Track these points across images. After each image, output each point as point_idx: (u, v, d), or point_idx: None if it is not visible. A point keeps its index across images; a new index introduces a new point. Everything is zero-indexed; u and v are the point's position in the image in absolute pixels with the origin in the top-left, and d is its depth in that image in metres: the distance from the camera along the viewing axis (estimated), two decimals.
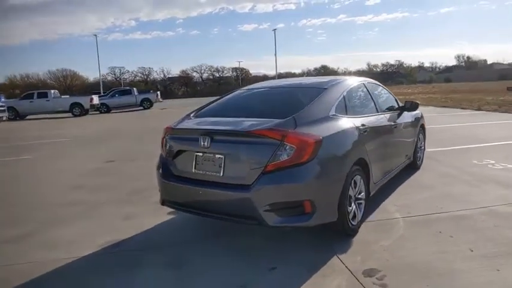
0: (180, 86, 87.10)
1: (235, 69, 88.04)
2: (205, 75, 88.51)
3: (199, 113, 3.87)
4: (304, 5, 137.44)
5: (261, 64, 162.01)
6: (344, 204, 3.22)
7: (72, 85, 73.12)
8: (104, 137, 12.38)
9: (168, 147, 3.56)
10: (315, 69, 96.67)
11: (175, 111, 24.65)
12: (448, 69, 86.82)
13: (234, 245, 3.49)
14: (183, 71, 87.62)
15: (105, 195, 5.29)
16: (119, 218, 4.35)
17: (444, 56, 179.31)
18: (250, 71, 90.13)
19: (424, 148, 6.18)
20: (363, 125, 3.68)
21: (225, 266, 3.08)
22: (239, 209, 3.05)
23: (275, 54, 53.62)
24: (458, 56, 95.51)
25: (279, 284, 2.78)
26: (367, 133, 3.71)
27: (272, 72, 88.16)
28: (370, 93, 4.38)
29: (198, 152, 3.28)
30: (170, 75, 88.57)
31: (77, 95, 32.60)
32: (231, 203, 3.08)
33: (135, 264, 3.20)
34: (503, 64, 74.33)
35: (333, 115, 3.44)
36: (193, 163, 3.30)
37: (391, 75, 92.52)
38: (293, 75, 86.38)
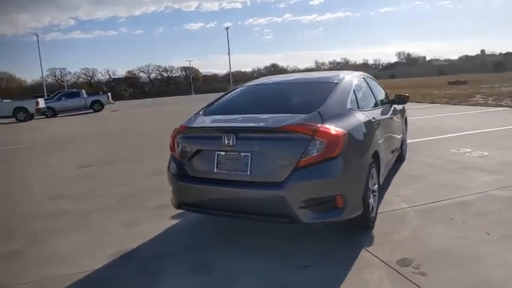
0: (126, 87, 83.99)
1: (184, 68, 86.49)
2: (153, 75, 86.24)
3: (211, 110, 3.72)
4: (251, 4, 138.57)
5: (210, 63, 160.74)
6: (367, 197, 3.25)
7: (9, 88, 67.89)
8: (66, 142, 11.59)
9: (182, 147, 3.38)
10: (265, 67, 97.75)
11: (132, 113, 23.79)
12: (391, 65, 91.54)
13: (255, 245, 3.39)
14: (129, 72, 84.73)
15: (93, 202, 4.95)
16: (117, 226, 4.08)
17: (386, 54, 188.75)
18: (200, 70, 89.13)
19: (406, 140, 6.43)
20: (373, 118, 3.74)
21: (255, 267, 2.98)
22: (270, 208, 2.96)
23: (228, 53, 53.51)
24: (399, 53, 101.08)
25: (320, 281, 2.74)
26: (377, 126, 3.77)
27: (223, 71, 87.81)
28: (370, 87, 4.46)
29: (220, 150, 3.14)
30: (116, 76, 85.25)
31: (19, 98, 30.34)
32: (261, 202, 2.99)
33: (158, 274, 3.00)
34: (440, 60, 79.94)
35: (349, 109, 3.45)
36: (215, 163, 3.15)
37: None
38: (244, 74, 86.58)
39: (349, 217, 3.04)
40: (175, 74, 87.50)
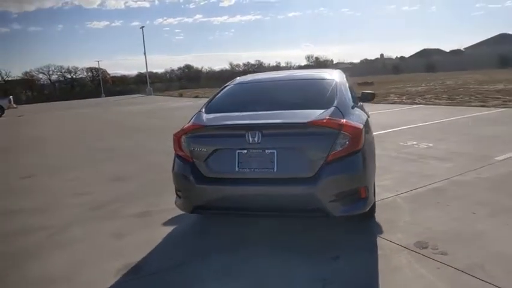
0: (23, 90, 75.40)
1: (90, 69, 79.89)
2: (54, 77, 78.16)
3: (216, 108, 3.56)
4: (159, 4, 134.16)
5: (116, 64, 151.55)
6: (374, 188, 3.43)
7: None
8: None
9: (196, 147, 3.19)
10: (179, 68, 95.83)
11: (40, 118, 21.51)
12: (302, 68, 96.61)
13: (274, 245, 3.33)
14: (26, 73, 76.00)
15: (63, 215, 4.41)
16: (107, 238, 3.71)
17: (296, 57, 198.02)
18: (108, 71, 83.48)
19: None
20: (365, 113, 3.94)
21: (289, 265, 2.96)
22: (301, 204, 2.97)
23: (144, 53, 51.06)
24: (308, 57, 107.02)
25: (357, 270, 2.83)
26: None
27: (132, 72, 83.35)
28: (348, 84, 4.68)
29: (241, 149, 3.05)
30: (10, 78, 75.95)
31: None
32: (291, 199, 2.98)
33: (187, 284, 2.81)
34: (344, 63, 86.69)
35: (353, 105, 3.60)
36: (236, 161, 3.05)
37: None
38: (155, 74, 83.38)
39: (369, 208, 3.17)
40: (80, 76, 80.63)
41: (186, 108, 18.89)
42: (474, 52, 51.83)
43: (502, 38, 55.33)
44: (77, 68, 79.70)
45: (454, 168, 5.18)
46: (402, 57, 68.42)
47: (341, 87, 3.70)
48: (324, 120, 2.97)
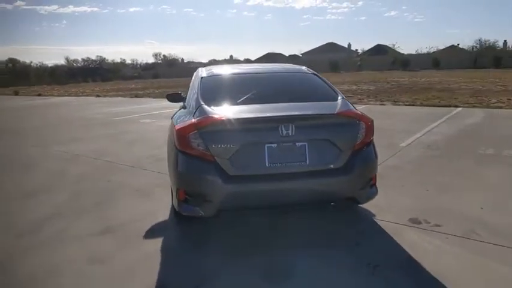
0: None
1: None
2: None
3: (219, 101, 3.22)
4: None
5: None
6: None
7: None
8: None
9: (217, 144, 2.87)
10: (1, 62, 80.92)
11: None
12: (150, 66, 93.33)
13: (290, 243, 3.26)
14: None
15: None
16: (85, 263, 3.00)
17: (142, 54, 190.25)
18: None
19: None
20: None
21: (324, 260, 2.96)
22: (334, 194, 3.01)
23: None
24: (156, 54, 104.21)
25: (385, 250, 3.04)
26: None
27: None
28: None
29: (270, 143, 2.88)
30: None
31: None
32: (324, 190, 2.98)
33: None
34: (194, 63, 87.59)
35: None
36: (265, 156, 2.87)
37: (95, 70, 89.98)
38: None
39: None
40: None
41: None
42: (309, 58, 59.21)
43: (331, 46, 64.96)
44: None
45: None
46: (249, 59, 73.49)
47: (326, 81, 3.85)
48: (350, 111, 3.08)
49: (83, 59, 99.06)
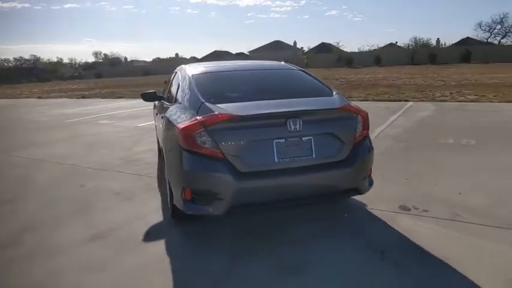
0: None
1: None
2: None
3: (219, 98, 3.15)
4: None
5: None
6: None
7: None
8: None
9: (226, 141, 2.83)
10: None
11: None
12: (91, 65, 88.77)
13: (292, 238, 3.32)
14: None
15: None
16: (83, 273, 2.84)
17: (80, 52, 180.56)
18: None
19: None
20: None
21: (335, 251, 3.05)
22: (339, 186, 3.09)
23: None
24: (96, 53, 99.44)
25: (388, 236, 3.19)
26: None
27: None
28: None
29: (278, 138, 2.91)
30: None
31: None
32: (331, 182, 3.07)
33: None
34: (139, 61, 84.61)
35: None
36: (274, 152, 2.89)
37: (30, 70, 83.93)
38: None
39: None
40: None
41: None
42: (256, 55, 59.73)
43: (277, 44, 65.97)
44: None
45: None
46: (195, 58, 72.45)
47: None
48: (350, 105, 3.19)
49: (15, 59, 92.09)
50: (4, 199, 4.54)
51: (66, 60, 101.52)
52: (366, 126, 3.29)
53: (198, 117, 2.92)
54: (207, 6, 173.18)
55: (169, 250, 3.14)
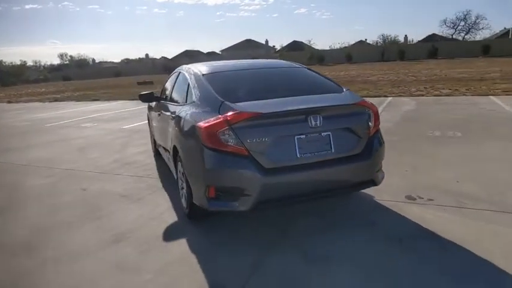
0: None
1: None
2: None
3: (238, 97, 3.23)
4: None
5: None
6: None
7: None
8: None
9: (251, 138, 2.91)
10: None
11: None
12: (57, 67, 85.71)
13: (310, 232, 3.42)
14: None
15: None
16: (117, 273, 2.83)
17: (45, 55, 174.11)
18: None
19: None
20: None
21: (354, 241, 3.18)
22: (357, 178, 3.24)
23: None
24: (61, 55, 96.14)
25: (402, 226, 3.35)
26: None
27: None
28: None
29: (299, 134, 3.01)
30: None
31: None
32: (349, 175, 3.20)
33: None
34: (107, 62, 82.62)
35: None
36: (296, 148, 2.99)
37: None
38: None
39: None
40: None
41: None
42: (228, 54, 59.73)
43: (249, 43, 66.18)
44: None
45: None
46: (166, 58, 71.54)
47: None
48: (364, 101, 3.34)
49: None
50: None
51: (30, 63, 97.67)
52: (377, 120, 3.44)
53: (220, 116, 2.98)
54: (175, 5, 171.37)
55: (193, 247, 3.17)
